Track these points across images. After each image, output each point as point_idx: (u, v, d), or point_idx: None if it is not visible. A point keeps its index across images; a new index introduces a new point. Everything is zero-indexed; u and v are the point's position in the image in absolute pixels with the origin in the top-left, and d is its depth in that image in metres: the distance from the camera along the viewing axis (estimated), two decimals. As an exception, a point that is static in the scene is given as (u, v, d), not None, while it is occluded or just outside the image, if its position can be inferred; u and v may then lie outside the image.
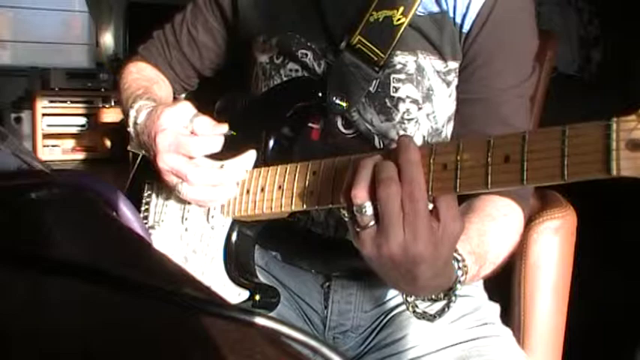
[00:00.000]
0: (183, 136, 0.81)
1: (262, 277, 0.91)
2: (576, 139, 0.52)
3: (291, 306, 0.99)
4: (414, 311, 0.72)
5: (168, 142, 0.81)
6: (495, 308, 0.96)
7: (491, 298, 0.98)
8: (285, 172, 0.76)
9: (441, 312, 0.70)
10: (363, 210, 0.61)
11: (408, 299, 0.71)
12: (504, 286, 1.02)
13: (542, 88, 1.16)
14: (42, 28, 4.34)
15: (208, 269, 0.85)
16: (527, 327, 1.01)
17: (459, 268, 0.69)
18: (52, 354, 0.33)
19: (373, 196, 0.60)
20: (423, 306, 0.71)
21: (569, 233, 1.02)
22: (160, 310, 0.39)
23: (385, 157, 0.62)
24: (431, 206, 0.61)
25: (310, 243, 0.95)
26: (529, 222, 0.99)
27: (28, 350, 0.33)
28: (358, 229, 0.62)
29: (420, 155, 0.60)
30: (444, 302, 0.69)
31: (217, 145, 0.82)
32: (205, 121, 0.82)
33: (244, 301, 0.82)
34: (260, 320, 0.35)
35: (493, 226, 0.81)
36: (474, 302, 0.93)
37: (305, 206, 0.73)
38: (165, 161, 0.81)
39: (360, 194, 0.61)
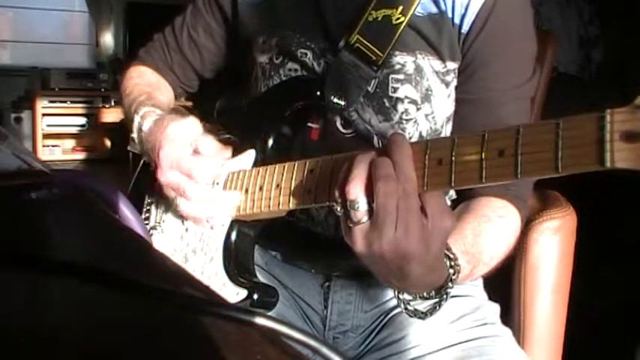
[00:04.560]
0: (186, 155, 0.82)
1: (262, 277, 0.91)
2: (570, 131, 0.52)
3: (291, 306, 0.99)
4: (406, 308, 0.72)
5: (170, 159, 0.82)
6: (495, 308, 0.96)
7: (491, 298, 0.98)
8: (283, 170, 0.76)
9: (433, 310, 0.71)
10: (357, 206, 0.61)
11: (400, 296, 0.71)
12: (504, 286, 1.02)
13: (542, 88, 1.17)
14: (42, 28, 4.34)
15: (207, 269, 0.85)
16: (527, 327, 1.01)
17: (451, 266, 0.69)
18: (52, 354, 0.33)
19: (367, 192, 0.61)
20: (414, 303, 0.72)
21: (569, 233, 1.02)
22: (159, 310, 0.39)
23: (380, 154, 0.62)
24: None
25: (310, 243, 0.95)
26: (529, 222, 0.99)
27: (29, 350, 0.33)
28: (350, 225, 0.62)
29: (411, 152, 0.61)
30: (435, 300, 0.70)
31: (218, 168, 0.84)
32: (210, 144, 0.83)
33: (242, 300, 0.82)
34: (260, 320, 0.35)
35: (489, 227, 0.81)
36: (473, 302, 0.93)
37: (302, 204, 0.73)
38: (166, 176, 0.82)
39: (354, 190, 0.61)
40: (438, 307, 0.70)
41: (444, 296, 0.69)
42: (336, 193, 0.64)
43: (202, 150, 0.83)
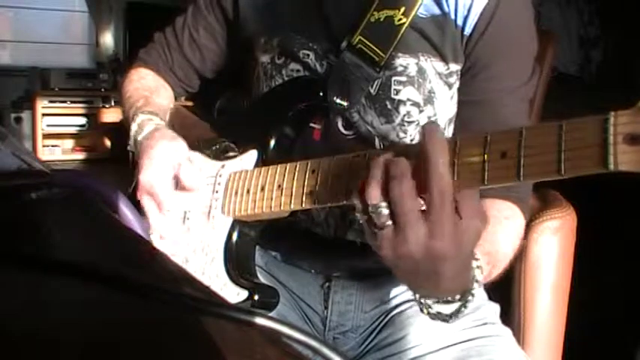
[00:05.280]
0: (161, 184, 0.82)
1: (262, 278, 0.91)
2: (573, 133, 0.51)
3: (292, 306, 0.99)
4: (428, 312, 0.69)
5: (146, 183, 0.82)
6: (495, 308, 0.96)
7: (491, 298, 0.98)
8: (285, 171, 0.76)
9: (457, 312, 0.68)
10: (379, 210, 0.58)
11: (422, 300, 0.68)
12: (504, 286, 1.02)
13: (542, 88, 1.16)
14: (42, 28, 4.33)
15: (208, 269, 0.85)
16: (527, 327, 1.01)
17: (477, 267, 0.67)
18: (52, 354, 0.33)
19: (386, 194, 0.58)
20: (437, 307, 0.69)
21: (569, 233, 1.02)
22: (160, 310, 0.39)
23: (400, 152, 0.60)
24: None
25: (310, 243, 0.95)
26: (529, 222, 0.99)
27: (29, 350, 0.33)
28: (375, 230, 0.59)
29: (447, 146, 0.57)
30: (459, 303, 0.67)
31: (192, 201, 0.85)
32: (190, 174, 0.83)
33: (243, 301, 0.82)
34: (260, 320, 0.35)
35: (499, 228, 0.80)
36: (474, 302, 0.93)
37: (304, 205, 0.73)
38: (141, 200, 0.83)
39: (374, 193, 0.58)
40: (463, 309, 0.67)
41: (469, 297, 0.66)
42: (355, 199, 0.61)
43: (182, 179, 0.83)
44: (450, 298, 0.66)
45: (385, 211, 0.58)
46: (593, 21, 2.78)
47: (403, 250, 0.58)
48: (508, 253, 0.81)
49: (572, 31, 2.79)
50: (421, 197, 0.58)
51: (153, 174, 0.83)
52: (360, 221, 0.62)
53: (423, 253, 0.57)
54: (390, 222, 0.58)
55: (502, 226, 0.81)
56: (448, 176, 0.56)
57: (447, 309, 0.69)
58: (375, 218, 0.59)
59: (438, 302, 0.67)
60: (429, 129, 0.58)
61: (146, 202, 0.83)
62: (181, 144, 0.85)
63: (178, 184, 0.85)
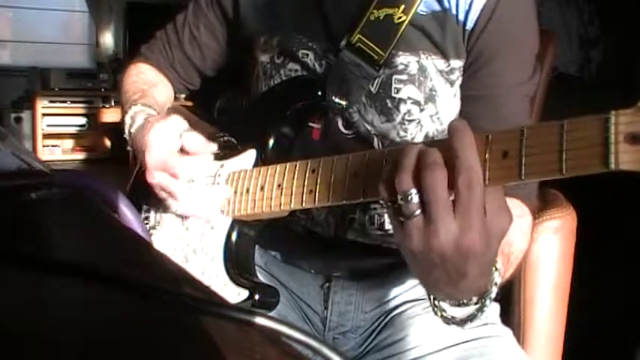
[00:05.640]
0: (171, 155, 0.82)
1: (262, 277, 0.91)
2: (575, 133, 0.52)
3: (291, 306, 0.99)
4: (442, 316, 0.67)
5: (156, 161, 0.82)
6: (495, 308, 0.96)
7: (492, 297, 0.98)
8: (285, 170, 0.76)
9: (473, 317, 0.66)
10: (409, 197, 0.56)
11: (436, 303, 0.67)
12: (504, 286, 1.02)
13: (542, 88, 1.16)
14: (42, 28, 4.33)
15: (208, 269, 0.85)
16: (527, 327, 1.01)
17: (497, 269, 0.65)
18: (52, 354, 0.33)
19: (418, 184, 0.56)
20: (451, 311, 0.67)
21: (569, 233, 1.02)
22: (159, 310, 0.39)
23: (430, 146, 0.58)
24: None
25: (310, 243, 0.95)
26: (530, 222, 0.99)
27: (29, 350, 0.33)
28: (402, 219, 0.57)
29: (474, 140, 0.56)
30: (475, 307, 0.65)
31: (204, 164, 0.84)
32: (194, 139, 0.83)
33: (244, 301, 0.82)
34: (260, 320, 0.35)
35: (513, 227, 0.80)
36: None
37: (304, 204, 0.73)
38: (154, 178, 0.83)
39: (405, 180, 0.56)
40: (479, 314, 0.65)
41: (487, 302, 0.64)
42: (383, 188, 0.59)
43: (188, 146, 0.82)
44: (465, 301, 0.64)
45: (415, 199, 0.56)
46: (593, 21, 2.78)
47: (434, 242, 0.56)
48: (520, 253, 0.79)
49: (572, 30, 2.78)
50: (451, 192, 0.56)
51: (159, 152, 0.82)
52: (386, 213, 0.60)
53: (452, 247, 0.56)
54: (419, 211, 0.56)
55: (515, 224, 0.80)
56: (478, 171, 0.55)
57: (462, 313, 0.67)
58: (404, 207, 0.57)
59: (453, 305, 0.66)
60: (456, 124, 0.57)
61: (160, 177, 0.82)
62: (176, 118, 0.85)
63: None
